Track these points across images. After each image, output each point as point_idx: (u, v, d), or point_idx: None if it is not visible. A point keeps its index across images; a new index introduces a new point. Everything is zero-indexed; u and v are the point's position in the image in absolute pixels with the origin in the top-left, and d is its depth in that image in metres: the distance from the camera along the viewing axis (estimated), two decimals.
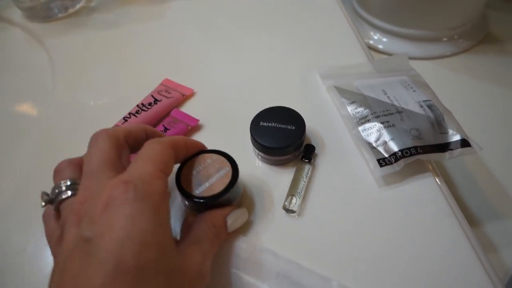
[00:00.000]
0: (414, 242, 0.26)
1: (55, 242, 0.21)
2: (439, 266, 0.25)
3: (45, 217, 0.24)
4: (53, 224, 0.23)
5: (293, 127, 0.29)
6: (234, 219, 0.25)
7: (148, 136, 0.26)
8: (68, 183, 0.22)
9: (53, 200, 0.23)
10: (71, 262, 0.18)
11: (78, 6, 0.50)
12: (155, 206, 0.19)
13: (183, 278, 0.20)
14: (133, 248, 0.17)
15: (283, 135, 0.28)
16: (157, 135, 0.26)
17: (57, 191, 0.22)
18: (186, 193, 0.24)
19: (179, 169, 0.25)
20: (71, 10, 0.49)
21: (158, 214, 0.19)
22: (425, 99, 0.31)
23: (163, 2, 0.50)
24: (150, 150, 0.22)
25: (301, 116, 0.30)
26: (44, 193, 0.23)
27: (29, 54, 0.47)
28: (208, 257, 0.22)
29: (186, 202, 0.26)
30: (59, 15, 0.49)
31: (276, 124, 0.29)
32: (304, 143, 0.30)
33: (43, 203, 0.23)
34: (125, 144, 0.24)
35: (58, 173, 0.23)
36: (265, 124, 0.29)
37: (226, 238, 0.25)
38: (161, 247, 0.19)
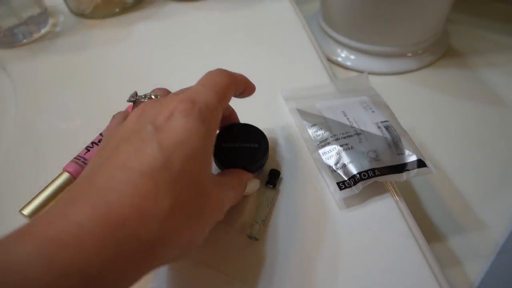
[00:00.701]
0: (374, 263, 0.26)
1: (112, 126, 0.25)
2: (398, 285, 0.25)
3: (115, 115, 0.27)
4: (118, 117, 0.26)
5: (256, 145, 0.29)
6: (252, 185, 0.28)
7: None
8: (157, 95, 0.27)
9: (135, 101, 0.27)
10: (126, 144, 0.19)
11: (43, 31, 0.49)
12: (209, 133, 0.21)
13: (207, 201, 0.21)
14: (184, 153, 0.19)
15: (247, 154, 0.28)
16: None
17: (143, 95, 0.27)
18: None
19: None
20: (35, 35, 0.49)
21: (209, 140, 0.21)
22: (382, 120, 0.32)
23: (127, 26, 0.50)
24: (218, 80, 0.23)
25: (262, 132, 0.30)
26: (132, 94, 0.28)
27: None
28: (229, 203, 0.24)
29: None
30: (24, 40, 0.48)
31: (237, 143, 0.28)
32: (269, 168, 0.31)
33: (127, 100, 0.27)
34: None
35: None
36: (227, 145, 0.28)
37: (241, 198, 0.27)
38: (203, 166, 0.21)
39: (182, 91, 0.24)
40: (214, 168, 0.29)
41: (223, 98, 0.23)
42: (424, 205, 0.37)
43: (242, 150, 0.28)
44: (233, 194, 0.25)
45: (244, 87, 0.26)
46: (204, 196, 0.21)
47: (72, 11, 0.52)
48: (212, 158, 0.23)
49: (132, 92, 0.28)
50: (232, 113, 0.30)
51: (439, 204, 0.37)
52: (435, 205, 0.37)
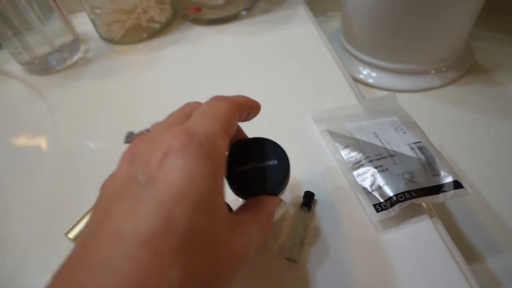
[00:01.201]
0: (414, 286, 0.26)
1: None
2: None
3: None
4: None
5: (275, 161, 0.23)
6: (279, 211, 0.24)
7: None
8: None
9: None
10: (117, 203, 0.16)
11: (75, 58, 0.52)
12: (215, 169, 0.18)
13: (227, 256, 0.18)
14: (187, 206, 0.15)
15: (268, 174, 0.23)
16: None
17: (139, 132, 0.22)
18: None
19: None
20: (68, 62, 0.51)
21: (217, 178, 0.18)
22: (415, 141, 0.32)
23: (154, 51, 0.51)
24: (218, 107, 0.20)
25: (277, 144, 0.25)
26: (127, 135, 0.24)
27: (29, 105, 0.48)
28: (255, 244, 0.20)
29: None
30: (58, 67, 0.50)
31: (253, 163, 0.23)
32: (303, 190, 0.31)
33: (123, 141, 0.23)
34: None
35: None
36: (241, 168, 0.23)
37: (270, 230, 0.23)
38: (214, 215, 0.17)
39: (174, 118, 0.21)
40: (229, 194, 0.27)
41: (227, 124, 0.20)
42: (460, 225, 0.37)
43: (261, 171, 0.23)
44: (259, 232, 0.20)
45: (249, 109, 0.23)
46: (220, 252, 0.17)
47: (102, 38, 0.54)
48: (225, 191, 0.19)
49: (125, 132, 0.24)
50: (238, 130, 0.25)
51: (475, 224, 0.37)
52: (471, 225, 0.37)
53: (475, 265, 0.34)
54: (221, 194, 0.18)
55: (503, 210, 0.37)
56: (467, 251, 0.35)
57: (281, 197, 0.25)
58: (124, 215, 0.16)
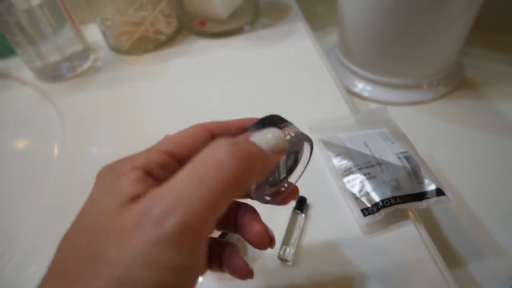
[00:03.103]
0: (396, 285, 0.28)
1: None
2: None
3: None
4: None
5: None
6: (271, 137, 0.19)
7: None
8: None
9: None
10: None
11: (85, 66, 0.54)
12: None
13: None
14: None
15: None
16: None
17: None
18: None
19: None
20: (79, 70, 0.54)
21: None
22: (402, 150, 0.34)
23: (161, 62, 0.54)
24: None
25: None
26: None
27: (40, 111, 0.50)
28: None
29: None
30: (68, 75, 0.53)
31: None
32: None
33: None
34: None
35: None
36: None
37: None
38: None
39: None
40: None
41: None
42: (444, 231, 0.39)
43: None
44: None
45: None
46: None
47: (111, 48, 0.57)
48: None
49: None
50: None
51: (459, 230, 0.39)
52: (454, 231, 0.39)
53: (457, 269, 0.36)
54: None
55: (487, 218, 0.40)
56: (450, 256, 0.37)
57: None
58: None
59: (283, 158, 0.21)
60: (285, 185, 0.24)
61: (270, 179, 0.22)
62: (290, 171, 0.24)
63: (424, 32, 0.47)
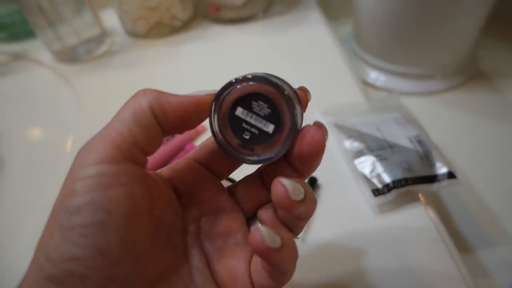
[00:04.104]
0: (405, 267, 0.28)
1: None
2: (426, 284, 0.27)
3: None
4: None
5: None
6: None
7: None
8: None
9: None
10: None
11: (102, 49, 0.55)
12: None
13: None
14: None
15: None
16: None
17: None
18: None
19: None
20: (95, 54, 0.55)
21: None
22: (414, 134, 0.34)
23: (175, 46, 0.55)
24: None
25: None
26: None
27: (58, 92, 0.51)
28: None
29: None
30: (85, 57, 0.54)
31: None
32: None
33: None
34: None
35: None
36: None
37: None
38: None
39: None
40: None
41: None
42: (453, 217, 0.39)
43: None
44: None
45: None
46: None
47: (127, 32, 0.58)
48: None
49: None
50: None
51: (468, 217, 0.39)
52: (463, 218, 0.39)
53: (466, 255, 0.36)
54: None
55: (497, 206, 0.40)
56: (458, 242, 0.37)
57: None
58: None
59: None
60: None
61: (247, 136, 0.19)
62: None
63: (439, 22, 0.47)
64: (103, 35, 0.56)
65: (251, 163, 0.19)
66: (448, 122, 0.48)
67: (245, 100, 0.19)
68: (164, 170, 0.21)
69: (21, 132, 0.47)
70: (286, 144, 0.18)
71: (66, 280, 0.15)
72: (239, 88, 0.19)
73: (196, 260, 0.20)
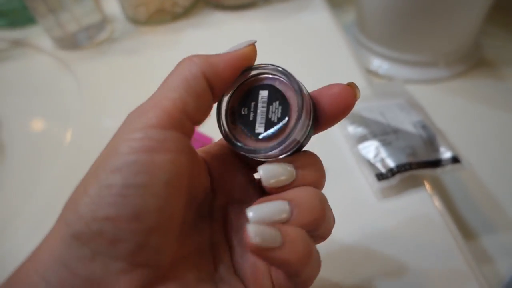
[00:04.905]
0: (408, 252, 0.28)
1: None
2: (432, 274, 0.27)
3: None
4: None
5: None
6: None
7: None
8: None
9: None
10: None
11: (102, 36, 0.55)
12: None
13: None
14: None
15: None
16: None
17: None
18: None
19: None
20: (96, 40, 0.54)
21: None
22: (418, 119, 0.34)
23: (176, 33, 0.54)
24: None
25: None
26: None
27: (59, 78, 0.51)
28: None
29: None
30: (85, 44, 0.54)
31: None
32: None
33: None
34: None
35: None
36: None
37: None
38: None
39: None
40: None
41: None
42: (456, 203, 0.39)
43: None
44: None
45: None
46: None
47: (128, 19, 0.57)
48: None
49: None
50: None
51: (471, 203, 0.39)
52: (467, 203, 0.39)
53: (469, 241, 0.36)
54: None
55: (500, 192, 0.40)
56: (462, 228, 0.37)
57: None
58: None
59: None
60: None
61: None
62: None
63: (443, 9, 0.47)
64: (104, 21, 0.56)
65: (263, 158, 0.18)
66: (451, 110, 0.48)
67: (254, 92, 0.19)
68: (198, 152, 0.20)
69: (22, 119, 0.47)
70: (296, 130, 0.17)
71: (94, 241, 0.14)
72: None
73: (221, 249, 0.19)
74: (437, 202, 0.31)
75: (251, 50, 0.18)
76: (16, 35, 0.57)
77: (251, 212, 0.16)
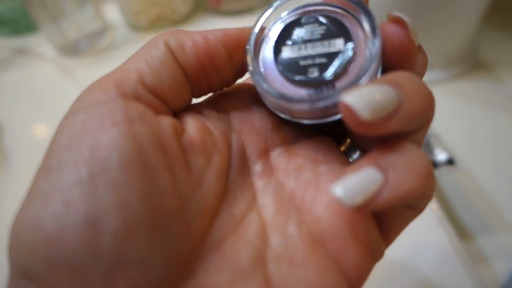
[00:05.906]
0: (405, 252, 0.29)
1: None
2: (428, 275, 0.27)
3: None
4: None
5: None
6: None
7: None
8: None
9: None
10: None
11: (103, 43, 0.56)
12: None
13: None
14: None
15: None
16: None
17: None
18: None
19: None
20: (97, 47, 0.55)
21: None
22: None
23: None
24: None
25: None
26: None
27: (61, 85, 0.52)
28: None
29: None
30: (87, 51, 0.55)
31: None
32: None
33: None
34: None
35: None
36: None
37: None
38: None
39: None
40: None
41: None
42: (452, 205, 0.40)
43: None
44: None
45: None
46: None
47: (129, 26, 0.58)
48: None
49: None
50: None
51: (467, 204, 0.40)
52: (463, 205, 0.39)
53: (465, 242, 0.36)
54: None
55: (496, 194, 0.40)
56: (457, 229, 0.37)
57: None
58: None
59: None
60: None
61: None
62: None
63: (439, 11, 0.47)
64: (105, 28, 0.57)
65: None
66: (448, 112, 0.49)
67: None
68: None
69: (24, 126, 0.48)
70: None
71: (49, 276, 0.10)
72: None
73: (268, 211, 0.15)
74: (433, 203, 0.32)
75: (245, 32, 0.16)
76: (18, 43, 0.59)
77: (338, 188, 0.12)
